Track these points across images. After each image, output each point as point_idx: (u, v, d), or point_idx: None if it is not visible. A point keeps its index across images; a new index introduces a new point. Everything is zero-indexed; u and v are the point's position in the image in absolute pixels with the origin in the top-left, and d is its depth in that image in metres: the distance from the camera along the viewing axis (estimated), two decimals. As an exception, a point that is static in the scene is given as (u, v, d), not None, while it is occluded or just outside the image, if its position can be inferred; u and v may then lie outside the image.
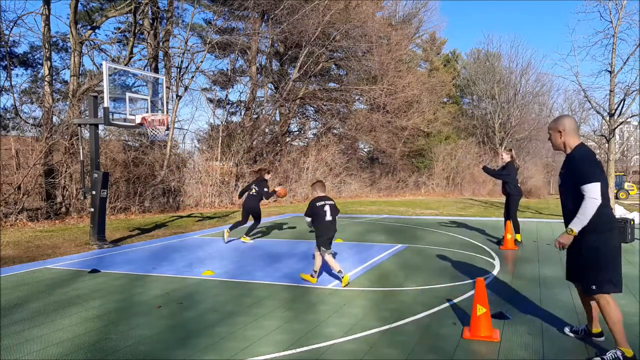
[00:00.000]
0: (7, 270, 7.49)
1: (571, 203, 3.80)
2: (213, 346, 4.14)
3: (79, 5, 18.69)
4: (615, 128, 14.95)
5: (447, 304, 5.29)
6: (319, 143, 26.66)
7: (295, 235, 11.24)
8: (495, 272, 6.88)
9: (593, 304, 4.00)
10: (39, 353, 4.04)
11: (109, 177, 12.35)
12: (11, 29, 17.36)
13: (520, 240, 9.25)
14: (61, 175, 15.26)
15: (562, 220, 4.04)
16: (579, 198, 3.68)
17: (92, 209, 9.86)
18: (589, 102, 15.82)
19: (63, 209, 15.21)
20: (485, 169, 9.65)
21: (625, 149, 52.38)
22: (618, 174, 36.05)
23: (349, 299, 5.54)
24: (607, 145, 15.47)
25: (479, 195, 31.17)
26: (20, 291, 6.15)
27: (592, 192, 3.61)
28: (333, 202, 6.34)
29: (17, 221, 13.20)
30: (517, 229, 9.18)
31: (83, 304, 5.52)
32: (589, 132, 35.36)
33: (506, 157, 9.27)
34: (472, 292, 5.69)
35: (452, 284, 6.23)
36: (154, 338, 4.36)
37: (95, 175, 9.75)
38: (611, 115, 14.81)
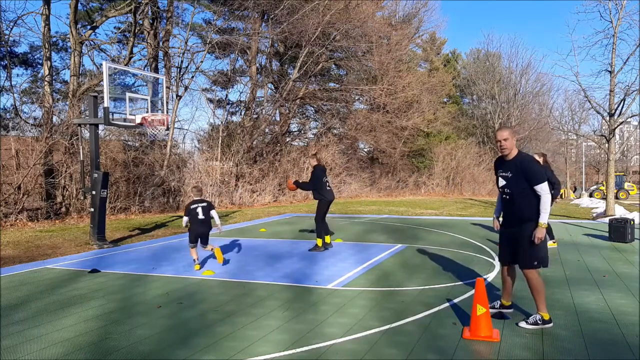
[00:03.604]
0: (7, 270, 7.49)
1: (521, 200, 4.50)
2: (213, 346, 4.14)
3: (79, 5, 18.70)
4: (615, 128, 14.92)
5: (447, 304, 5.29)
6: (319, 143, 26.65)
7: (295, 235, 11.24)
8: (495, 272, 6.88)
9: (509, 280, 4.86)
10: (39, 353, 4.04)
11: (109, 177, 12.35)
12: (11, 29, 17.40)
13: None
14: (61, 175, 15.26)
15: (532, 218, 4.53)
16: (530, 195, 4.43)
17: (92, 209, 9.86)
18: (589, 102, 15.80)
19: (63, 209, 15.22)
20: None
21: (625, 149, 52.40)
22: (618, 174, 36.05)
23: (349, 299, 5.54)
24: (607, 145, 15.45)
25: (479, 196, 31.16)
26: (20, 291, 6.15)
27: (546, 189, 4.40)
28: (206, 203, 7.44)
29: (17, 221, 13.20)
30: None
31: (83, 304, 5.52)
32: (589, 132, 35.36)
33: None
34: (472, 292, 5.69)
35: (452, 284, 6.23)
36: (154, 338, 4.36)
37: (95, 175, 9.75)
38: (611, 115, 14.80)
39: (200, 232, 7.30)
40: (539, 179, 4.38)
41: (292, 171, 24.36)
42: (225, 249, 9.32)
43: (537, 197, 4.44)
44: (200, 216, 7.27)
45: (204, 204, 7.39)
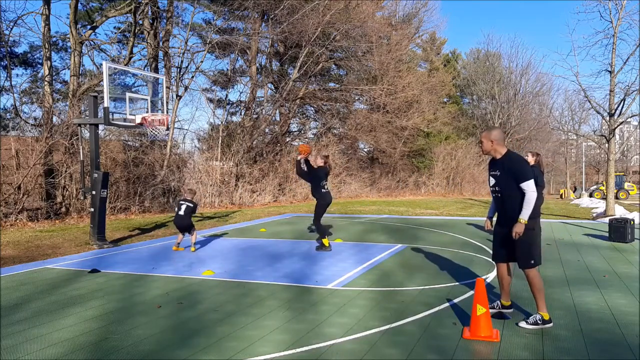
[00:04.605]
0: (7, 270, 7.49)
1: (510, 199, 4.58)
2: (213, 346, 4.14)
3: (79, 5, 18.69)
4: (615, 128, 14.92)
5: (447, 304, 5.29)
6: (319, 143, 26.66)
7: (295, 235, 11.24)
8: (495, 272, 6.87)
9: (508, 279, 4.89)
10: (39, 353, 4.04)
11: (109, 177, 12.35)
12: (11, 29, 17.39)
13: None
14: (61, 175, 15.26)
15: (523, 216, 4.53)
16: (517, 193, 4.50)
17: (92, 209, 9.86)
18: (589, 102, 15.80)
19: (63, 209, 15.21)
20: None
21: (625, 149, 52.39)
22: (618, 174, 36.03)
23: (349, 299, 5.54)
24: (607, 145, 15.45)
25: (479, 195, 31.17)
26: (20, 291, 6.15)
27: (531, 187, 4.45)
28: (192, 205, 8.90)
29: (17, 221, 13.20)
30: None
31: (83, 304, 5.52)
32: (589, 132, 35.36)
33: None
34: (472, 292, 5.69)
35: (452, 284, 6.23)
36: (154, 338, 4.36)
37: (95, 175, 9.75)
38: (611, 115, 14.80)
39: (177, 223, 8.85)
40: (524, 177, 4.45)
41: (292, 171, 24.39)
42: (225, 249, 9.33)
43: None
44: (180, 212, 8.72)
45: (190, 204, 8.78)
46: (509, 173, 4.54)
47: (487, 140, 4.67)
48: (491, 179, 4.75)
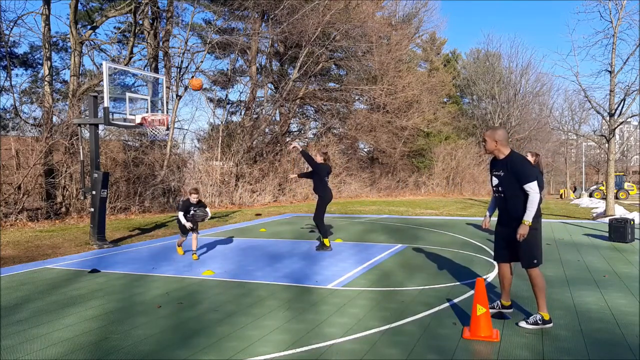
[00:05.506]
0: (7, 270, 7.49)
1: (513, 199, 4.58)
2: (213, 346, 4.14)
3: (79, 5, 18.68)
4: (615, 128, 14.93)
5: (447, 304, 5.29)
6: (319, 143, 26.65)
7: (295, 235, 11.24)
8: (495, 272, 6.87)
9: (509, 279, 4.89)
10: (39, 353, 4.04)
11: (109, 177, 12.36)
12: (11, 29, 17.38)
13: None
14: (61, 175, 15.26)
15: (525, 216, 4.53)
16: (520, 193, 4.50)
17: (92, 209, 9.86)
18: (589, 102, 15.82)
19: (63, 209, 15.21)
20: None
21: (625, 149, 52.39)
22: (618, 174, 36.04)
23: (349, 299, 5.54)
24: (607, 145, 15.45)
25: (479, 195, 31.17)
26: (20, 291, 6.15)
27: (534, 188, 4.46)
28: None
29: (17, 221, 13.20)
30: None
31: (83, 304, 5.52)
32: (589, 132, 35.37)
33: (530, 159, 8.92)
34: (472, 292, 5.69)
35: (452, 284, 6.23)
36: (154, 338, 4.36)
37: (95, 175, 9.75)
38: (611, 115, 14.80)
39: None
40: (527, 178, 4.45)
41: (292, 171, 24.39)
42: (225, 249, 9.33)
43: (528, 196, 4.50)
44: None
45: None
46: (513, 174, 4.54)
47: (491, 139, 4.67)
48: (494, 179, 4.74)
